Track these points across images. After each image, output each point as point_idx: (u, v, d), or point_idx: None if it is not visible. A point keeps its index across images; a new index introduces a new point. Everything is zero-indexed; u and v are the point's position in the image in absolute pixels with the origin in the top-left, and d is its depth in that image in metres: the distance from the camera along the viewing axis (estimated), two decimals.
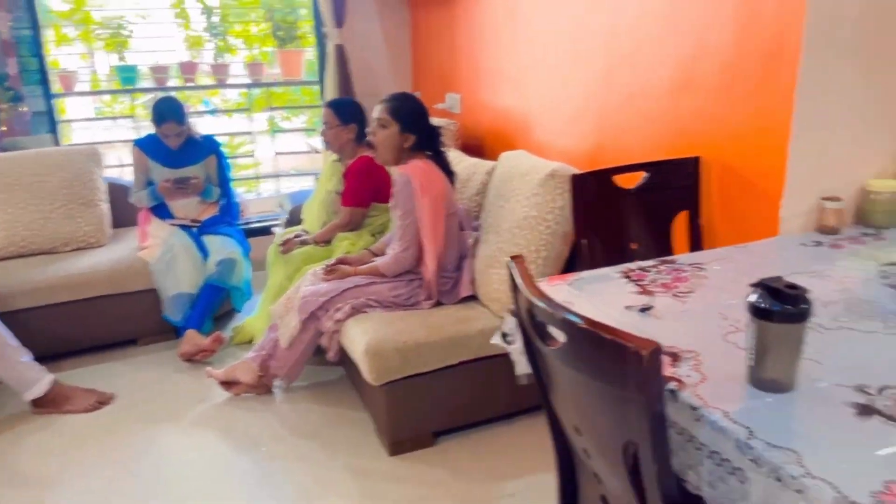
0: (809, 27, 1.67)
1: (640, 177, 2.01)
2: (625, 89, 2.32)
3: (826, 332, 1.24)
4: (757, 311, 1.01)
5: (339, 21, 3.82)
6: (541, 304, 1.01)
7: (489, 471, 2.18)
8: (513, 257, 1.15)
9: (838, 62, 1.74)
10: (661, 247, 1.96)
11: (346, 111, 2.89)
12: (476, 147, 3.34)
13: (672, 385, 1.06)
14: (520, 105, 3.01)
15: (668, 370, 1.11)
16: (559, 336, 1.00)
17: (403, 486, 2.15)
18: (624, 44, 2.30)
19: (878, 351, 1.17)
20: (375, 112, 2.41)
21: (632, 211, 1.96)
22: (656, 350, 0.83)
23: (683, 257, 1.66)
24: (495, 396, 2.36)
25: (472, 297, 2.45)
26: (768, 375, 1.04)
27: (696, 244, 1.98)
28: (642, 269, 1.59)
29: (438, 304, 2.44)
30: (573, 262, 2.27)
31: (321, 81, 4.07)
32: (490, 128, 3.31)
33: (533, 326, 1.07)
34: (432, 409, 2.30)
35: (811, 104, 1.73)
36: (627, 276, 1.54)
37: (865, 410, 0.98)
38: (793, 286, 1.00)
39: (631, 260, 1.64)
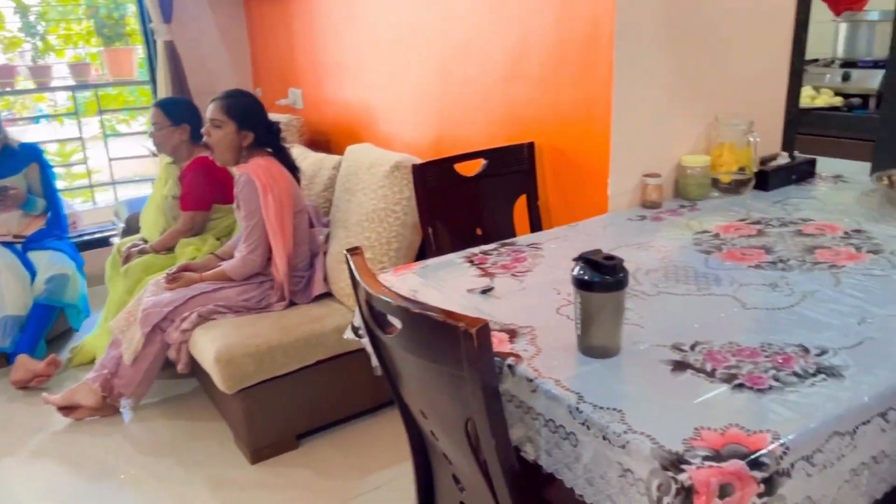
0: (620, 18, 1.79)
1: (480, 164, 2.07)
2: (461, 80, 2.38)
3: (648, 297, 1.33)
4: (579, 283, 1.07)
5: (167, 16, 3.63)
6: (377, 294, 1.01)
7: (355, 466, 2.18)
8: (349, 250, 1.14)
9: (649, 51, 1.88)
10: (505, 230, 2.03)
11: (176, 111, 2.75)
12: (322, 142, 3.30)
13: (510, 360, 1.11)
14: (363, 98, 3.01)
15: (506, 346, 1.15)
16: (397, 324, 1.01)
17: (268, 492, 2.09)
18: (457, 35, 2.35)
19: (691, 311, 1.27)
20: (208, 112, 2.31)
21: (474, 197, 2.01)
22: (484, 327, 0.85)
23: (522, 239, 1.73)
24: (357, 392, 2.35)
25: (327, 295, 2.42)
26: (595, 343, 1.10)
27: (536, 225, 2.07)
28: (484, 252, 1.63)
29: (292, 304, 2.39)
30: (425, 252, 2.31)
31: (153, 81, 3.84)
32: (335, 122, 3.27)
33: (373, 317, 1.08)
34: (293, 411, 2.26)
35: (628, 90, 1.86)
36: (470, 261, 1.58)
37: (679, 366, 1.07)
38: (610, 257, 1.07)
39: (478, 245, 1.68)
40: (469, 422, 0.97)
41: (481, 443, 0.96)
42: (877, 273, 1.38)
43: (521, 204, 2.12)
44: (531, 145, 2.07)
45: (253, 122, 2.31)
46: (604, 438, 0.93)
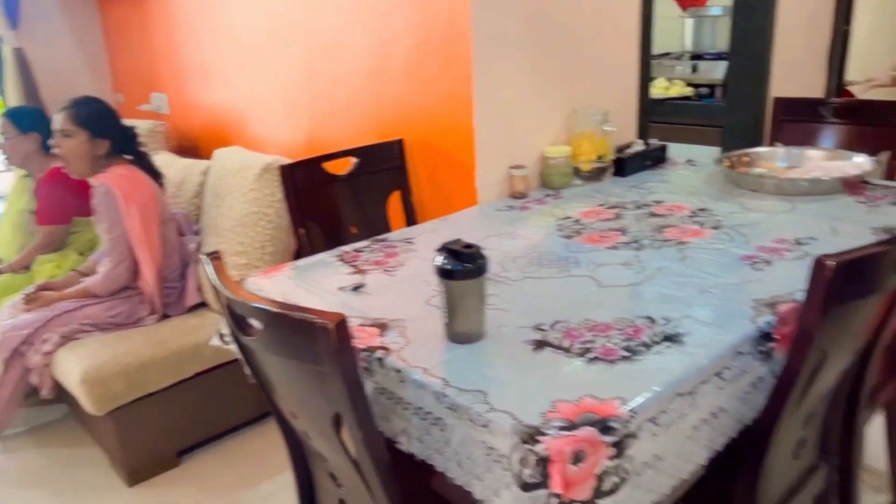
0: (475, 15, 1.84)
1: (351, 162, 2.07)
2: (329, 79, 2.37)
3: (513, 283, 1.39)
4: (442, 273, 1.10)
5: (14, 22, 3.38)
6: (235, 297, 1.00)
7: (242, 478, 2.12)
8: (208, 254, 1.12)
9: (506, 47, 1.94)
10: (381, 227, 2.04)
11: (24, 119, 2.57)
12: (191, 148, 3.18)
13: (379, 353, 1.12)
14: (230, 100, 2.93)
15: (376, 340, 1.16)
16: (258, 326, 1.00)
17: None
18: (322, 34, 2.34)
19: (553, 293, 1.33)
20: (56, 122, 2.16)
21: (346, 196, 2.01)
22: (342, 322, 0.86)
23: (395, 234, 1.75)
24: (239, 402, 2.29)
25: (202, 305, 2.35)
26: (460, 329, 1.14)
27: (411, 221, 2.10)
28: (356, 250, 1.64)
29: (165, 317, 2.29)
30: (302, 254, 2.28)
31: (1, 91, 3.56)
32: (203, 126, 3.16)
33: (235, 321, 1.06)
34: (172, 428, 2.17)
35: (488, 85, 1.92)
36: (342, 259, 1.58)
37: (540, 345, 1.12)
38: (469, 245, 1.11)
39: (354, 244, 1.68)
40: (337, 417, 0.97)
41: (350, 436, 0.97)
42: (717, 246, 1.50)
43: (395, 200, 2.14)
44: (400, 142, 2.09)
45: (107, 129, 2.20)
46: (469, 420, 0.96)
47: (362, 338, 1.17)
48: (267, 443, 2.27)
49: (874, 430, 1.94)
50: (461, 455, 1.00)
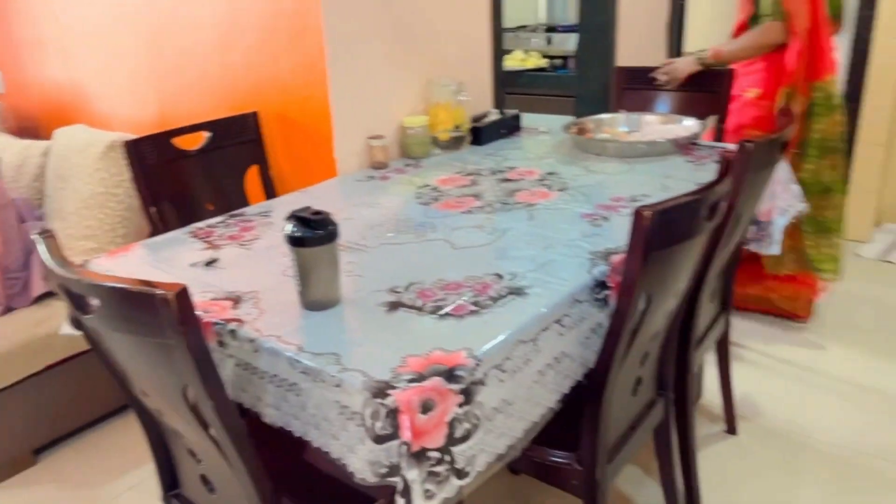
0: None
1: (203, 137, 2.00)
2: (175, 51, 2.26)
3: (371, 250, 1.41)
4: (292, 241, 1.11)
5: None
6: (71, 276, 0.95)
7: (105, 470, 2.03)
8: (39, 233, 1.06)
9: (357, 17, 1.94)
10: (238, 203, 1.99)
11: None
12: (30, 128, 2.95)
13: (232, 325, 1.11)
14: (73, 76, 2.73)
15: (229, 313, 1.15)
16: (97, 304, 0.97)
17: None
18: (165, 4, 2.23)
19: (409, 258, 1.37)
20: None
21: (200, 172, 1.95)
22: (182, 291, 0.85)
23: (252, 208, 1.73)
24: (98, 393, 2.18)
25: (50, 294, 2.20)
26: (314, 296, 1.15)
27: (270, 195, 2.07)
28: (210, 226, 1.60)
29: (10, 310, 2.13)
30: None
31: None
32: (43, 105, 2.93)
33: (73, 302, 1.01)
34: (25, 426, 2.04)
35: (342, 56, 1.91)
36: (195, 236, 1.54)
37: (394, 306, 1.15)
38: (318, 212, 1.12)
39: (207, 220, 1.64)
40: (186, 389, 0.96)
41: (201, 408, 0.96)
42: (561, 206, 1.60)
43: (253, 174, 2.10)
44: (255, 115, 2.05)
45: None
46: (322, 381, 0.98)
47: (215, 311, 1.16)
48: (129, 434, 2.18)
49: (709, 367, 2.15)
50: (318, 417, 1.02)
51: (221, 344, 1.13)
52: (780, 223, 1.87)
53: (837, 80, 2.44)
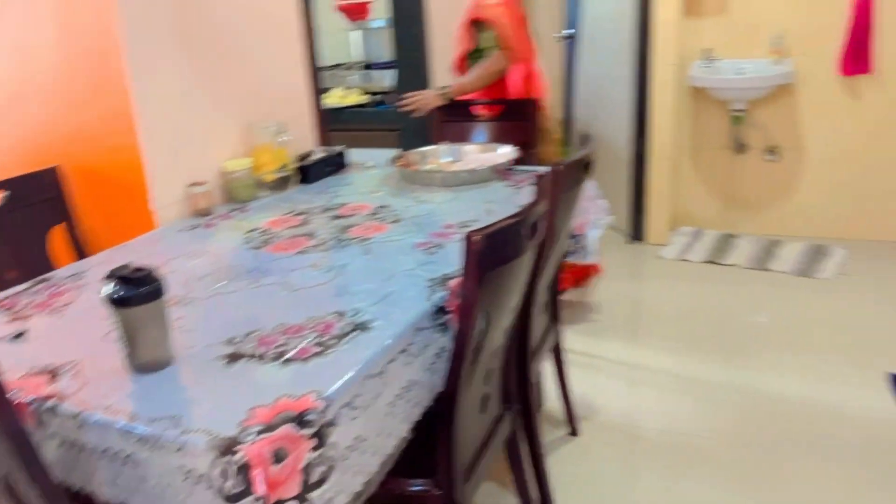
0: (128, 31, 1.73)
1: None
2: None
3: (200, 302, 1.34)
4: (114, 301, 1.03)
5: None
6: None
7: None
8: None
9: (166, 63, 1.86)
10: (43, 268, 1.81)
11: None
12: None
13: (51, 402, 1.01)
14: None
15: (45, 389, 1.05)
16: None
17: None
18: None
19: (244, 306, 1.32)
20: None
21: None
22: None
23: (61, 272, 1.58)
24: None
25: None
26: (143, 358, 1.07)
27: (80, 255, 1.90)
28: (14, 294, 1.45)
29: None
30: None
31: None
32: None
33: None
34: None
35: (152, 102, 1.82)
36: None
37: (233, 357, 1.11)
38: (140, 269, 1.05)
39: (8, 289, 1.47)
40: (7, 477, 0.86)
41: (24, 497, 0.86)
42: (395, 238, 1.63)
43: (59, 235, 1.92)
44: (53, 170, 1.88)
45: None
46: (161, 448, 0.92)
47: (27, 389, 1.04)
48: None
49: (547, 378, 2.28)
50: (160, 487, 0.94)
51: (41, 424, 1.02)
52: (593, 235, 2.04)
53: (548, 102, 2.85)
